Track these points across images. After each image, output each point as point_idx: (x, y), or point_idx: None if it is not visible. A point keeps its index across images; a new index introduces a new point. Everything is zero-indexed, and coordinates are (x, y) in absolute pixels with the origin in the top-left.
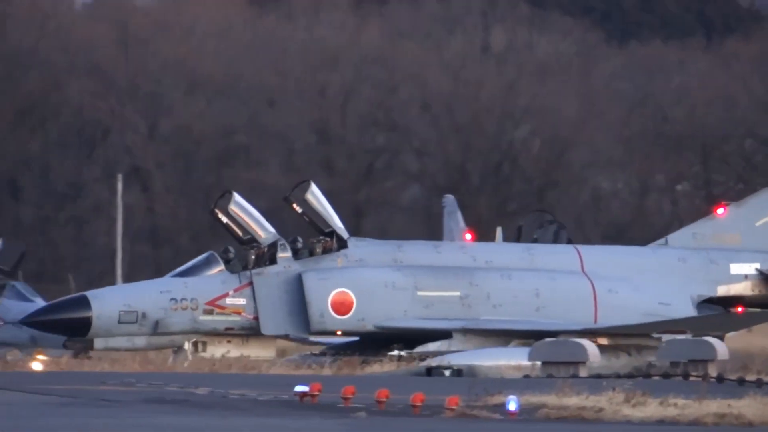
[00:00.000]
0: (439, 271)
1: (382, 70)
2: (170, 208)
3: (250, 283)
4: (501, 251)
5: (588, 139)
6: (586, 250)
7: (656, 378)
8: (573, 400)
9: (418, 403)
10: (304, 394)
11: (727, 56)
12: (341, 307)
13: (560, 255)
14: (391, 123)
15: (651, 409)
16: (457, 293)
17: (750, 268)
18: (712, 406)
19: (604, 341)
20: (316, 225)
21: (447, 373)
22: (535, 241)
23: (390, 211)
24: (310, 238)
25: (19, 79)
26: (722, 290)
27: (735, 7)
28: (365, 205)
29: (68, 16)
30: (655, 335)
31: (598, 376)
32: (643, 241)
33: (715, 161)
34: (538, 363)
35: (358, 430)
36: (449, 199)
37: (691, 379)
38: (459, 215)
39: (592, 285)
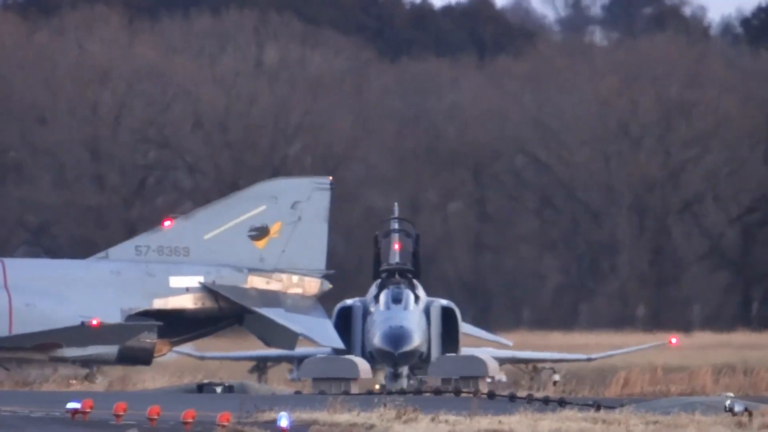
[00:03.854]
0: None
1: (155, 87)
2: None
3: None
4: None
5: (361, 156)
6: (11, 263)
7: (428, 394)
8: (344, 417)
9: (190, 420)
10: (76, 411)
11: (499, 74)
12: None
13: None
14: (164, 139)
15: (422, 425)
16: None
17: (193, 280)
18: (483, 423)
19: None
20: None
21: (218, 389)
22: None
23: None
24: None
25: None
26: (159, 303)
27: (506, 26)
28: (137, 222)
29: None
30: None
31: None
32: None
33: (486, 178)
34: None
35: None
36: None
37: (463, 395)
38: None
39: (10, 298)
